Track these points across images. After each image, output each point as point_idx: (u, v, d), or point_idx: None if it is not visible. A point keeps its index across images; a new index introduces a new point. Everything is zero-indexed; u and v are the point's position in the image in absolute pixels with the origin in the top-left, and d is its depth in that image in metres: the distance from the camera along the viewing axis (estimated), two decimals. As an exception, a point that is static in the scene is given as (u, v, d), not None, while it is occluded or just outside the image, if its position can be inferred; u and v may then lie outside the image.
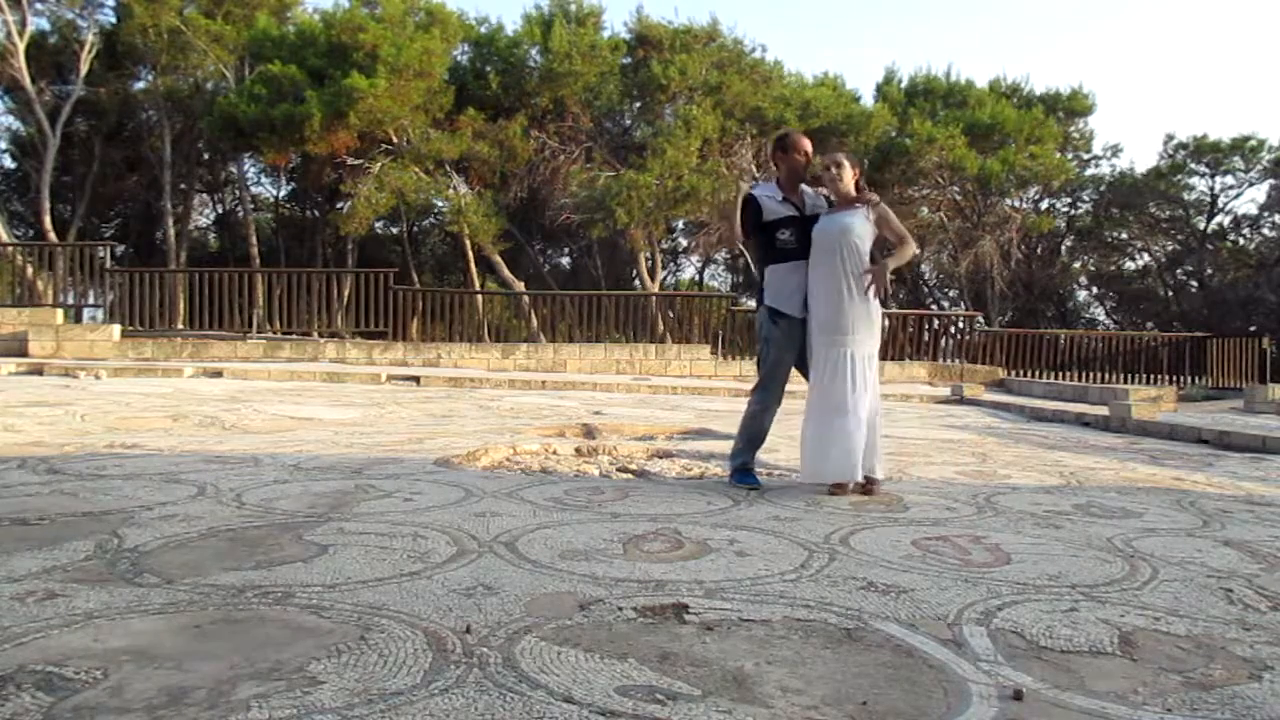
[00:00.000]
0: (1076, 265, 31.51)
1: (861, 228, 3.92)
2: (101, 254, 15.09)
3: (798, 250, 4.05)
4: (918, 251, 4.27)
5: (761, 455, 4.48)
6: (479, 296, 18.61)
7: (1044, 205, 28.20)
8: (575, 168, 20.99)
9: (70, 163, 23.73)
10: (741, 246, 4.55)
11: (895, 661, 1.90)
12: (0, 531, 2.79)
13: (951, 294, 30.12)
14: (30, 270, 17.05)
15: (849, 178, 4.00)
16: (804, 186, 4.18)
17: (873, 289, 3.89)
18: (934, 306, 28.30)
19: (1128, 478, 4.89)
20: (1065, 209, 29.57)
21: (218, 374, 11.29)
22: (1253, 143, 26.56)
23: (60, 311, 13.87)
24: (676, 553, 2.78)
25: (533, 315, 19.49)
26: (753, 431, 4.20)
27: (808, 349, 4.08)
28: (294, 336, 14.87)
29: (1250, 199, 53.50)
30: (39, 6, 22.11)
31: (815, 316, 3.99)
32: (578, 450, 5.48)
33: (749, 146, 20.65)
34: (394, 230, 27.21)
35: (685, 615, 2.15)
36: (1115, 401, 8.62)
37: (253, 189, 27.56)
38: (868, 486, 3.93)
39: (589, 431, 6.57)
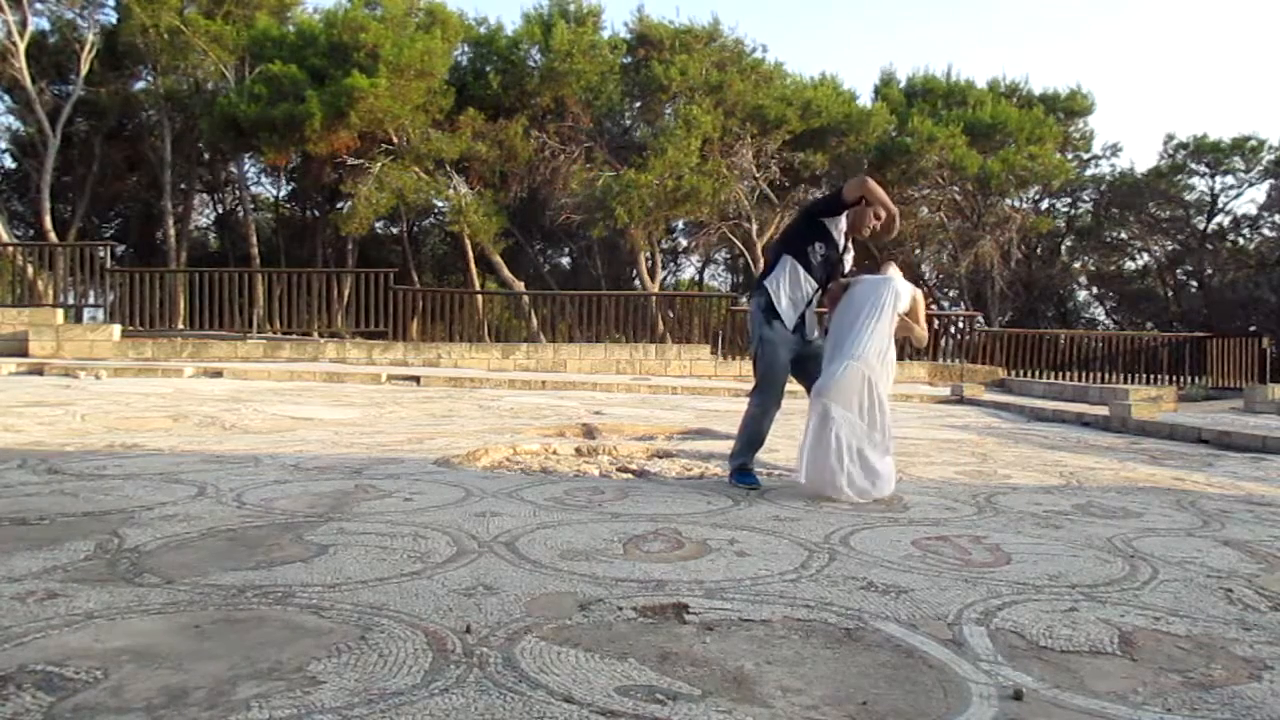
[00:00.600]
0: (1076, 265, 31.50)
1: (905, 292, 4.00)
2: (102, 254, 15.09)
3: (818, 273, 4.05)
4: (925, 341, 4.39)
5: (761, 455, 4.48)
6: (479, 296, 18.62)
7: (1044, 205, 28.21)
8: (575, 167, 20.98)
9: (70, 163, 23.72)
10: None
11: (895, 661, 1.90)
12: (0, 531, 2.80)
13: (951, 294, 30.13)
14: (30, 270, 17.04)
15: (894, 272, 4.08)
16: (853, 239, 4.18)
17: (893, 329, 3.96)
18: (934, 306, 28.28)
19: (1128, 478, 4.89)
20: (1065, 209, 29.58)
21: (218, 374, 11.29)
22: (1253, 143, 26.57)
23: (60, 311, 13.86)
24: (676, 553, 2.78)
25: (533, 315, 19.49)
26: (752, 433, 4.19)
27: (811, 360, 4.08)
28: (294, 336, 14.86)
29: (1250, 199, 53.50)
30: (39, 6, 22.14)
31: (835, 336, 3.97)
32: (578, 450, 5.49)
33: (749, 146, 20.65)
34: (394, 230, 27.21)
35: (685, 615, 2.15)
36: (1115, 401, 8.61)
37: (253, 189, 27.59)
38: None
39: (589, 431, 6.57)
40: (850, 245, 4.18)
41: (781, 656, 1.90)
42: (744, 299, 19.04)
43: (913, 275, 28.07)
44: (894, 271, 4.08)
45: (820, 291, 4.10)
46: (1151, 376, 17.61)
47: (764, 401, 4.17)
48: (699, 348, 15.50)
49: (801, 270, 4.05)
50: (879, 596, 2.37)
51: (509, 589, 2.32)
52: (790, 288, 4.06)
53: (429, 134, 20.22)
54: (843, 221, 4.09)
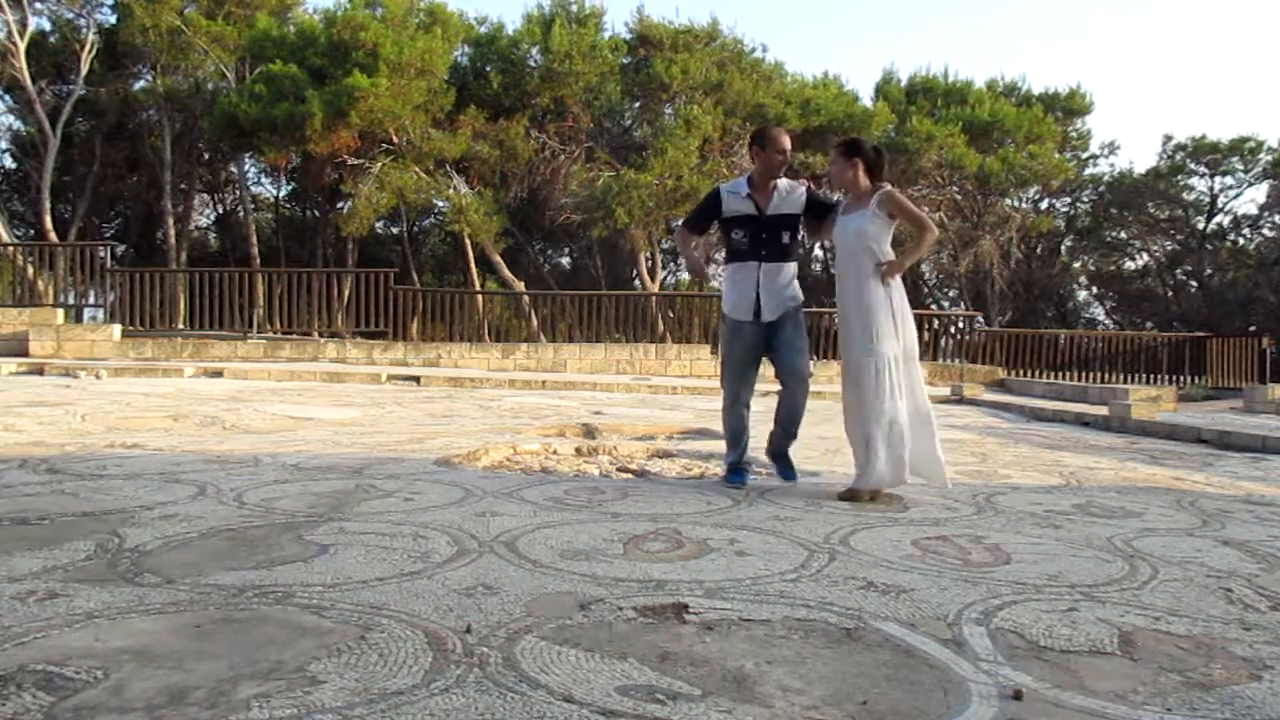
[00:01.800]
0: (1076, 265, 31.50)
1: (875, 228, 3.77)
2: (102, 254, 15.09)
3: (749, 251, 4.04)
4: (939, 233, 3.91)
5: (763, 456, 4.48)
6: (479, 296, 18.61)
7: (1043, 205, 28.21)
8: (576, 167, 20.99)
9: (71, 163, 23.72)
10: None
11: (895, 661, 1.90)
12: (1, 531, 2.80)
13: (951, 294, 30.11)
14: (31, 270, 17.04)
15: (842, 172, 3.87)
16: (779, 182, 4.08)
17: (886, 282, 3.76)
18: (934, 306, 28.29)
19: (1127, 477, 4.89)
20: (1065, 209, 29.57)
21: (218, 374, 11.29)
22: (1251, 143, 26.56)
23: (61, 311, 13.87)
24: (676, 552, 2.78)
25: (533, 315, 19.49)
26: (730, 429, 4.22)
27: (781, 350, 4.07)
28: (294, 336, 14.86)
29: (1250, 199, 53.49)
30: (39, 6, 22.15)
31: (842, 321, 3.93)
32: (578, 450, 5.49)
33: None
34: (394, 230, 27.20)
35: (685, 615, 2.15)
36: (1115, 401, 8.61)
37: (253, 189, 27.57)
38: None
39: (589, 431, 6.58)
40: (778, 187, 4.07)
41: (781, 656, 1.90)
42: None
43: (913, 276, 28.13)
44: (858, 202, 3.82)
45: (768, 258, 4.02)
46: (1151, 376, 17.61)
47: (726, 394, 4.22)
48: (699, 348, 15.49)
49: (735, 268, 4.10)
50: (879, 596, 2.37)
51: (509, 589, 2.32)
52: (736, 291, 4.09)
53: (429, 134, 20.21)
54: (743, 187, 4.08)
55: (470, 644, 1.90)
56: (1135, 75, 66.39)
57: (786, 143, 4.10)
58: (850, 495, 3.80)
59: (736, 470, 4.16)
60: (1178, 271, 30.05)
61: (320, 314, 15.87)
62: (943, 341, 17.96)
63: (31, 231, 24.80)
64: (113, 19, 22.46)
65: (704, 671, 1.80)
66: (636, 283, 25.02)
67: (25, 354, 12.44)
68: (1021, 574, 2.65)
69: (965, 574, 2.63)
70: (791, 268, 4.12)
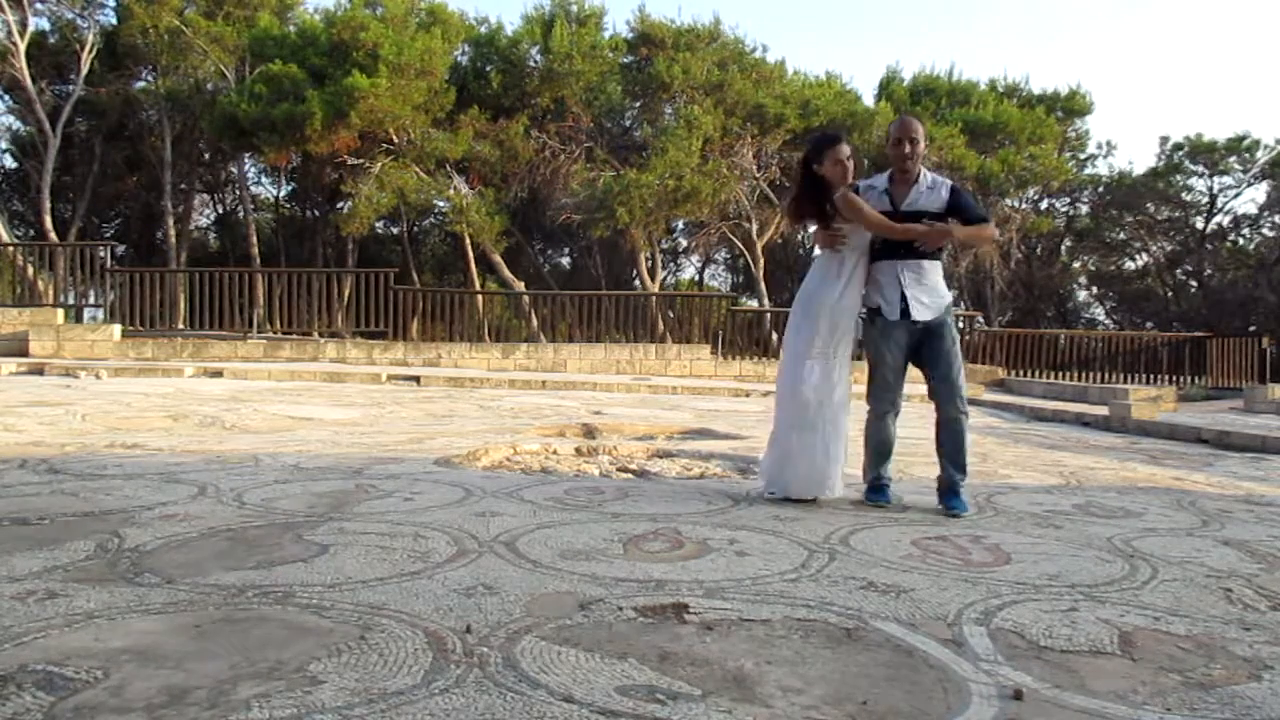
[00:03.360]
0: (1076, 265, 31.50)
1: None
2: (102, 254, 15.07)
3: (884, 249, 3.77)
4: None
5: (761, 456, 4.47)
6: (479, 296, 18.60)
7: (1043, 205, 28.21)
8: (576, 167, 20.97)
9: (71, 163, 23.72)
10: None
11: (895, 661, 1.90)
12: (1, 531, 2.80)
13: (951, 294, 30.09)
14: (31, 270, 17.04)
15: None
16: (922, 176, 3.93)
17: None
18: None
19: (1127, 477, 4.89)
20: (1065, 209, 29.58)
21: (218, 374, 11.28)
22: (1248, 142, 26.56)
23: (61, 311, 13.86)
24: (676, 552, 2.78)
25: (533, 315, 19.48)
26: (875, 444, 3.88)
27: (933, 359, 3.78)
28: (294, 336, 14.85)
29: (1249, 199, 53.44)
30: (39, 6, 22.14)
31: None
32: (578, 450, 5.49)
33: (750, 146, 20.63)
34: (394, 230, 27.20)
35: (685, 615, 2.15)
36: (1115, 401, 8.61)
37: (253, 189, 27.55)
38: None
39: (589, 431, 6.58)
40: (922, 180, 4.01)
41: (781, 656, 1.90)
42: (744, 299, 19.00)
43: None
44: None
45: (906, 255, 3.75)
46: (1151, 376, 17.61)
47: (873, 406, 3.93)
48: (699, 348, 15.49)
49: (876, 263, 3.84)
50: (879, 596, 2.37)
51: (509, 589, 2.32)
52: (871, 280, 3.84)
53: (430, 134, 20.20)
54: (882, 182, 3.99)
55: (470, 644, 1.90)
56: (1132, 75, 66.39)
57: (905, 131, 3.90)
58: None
59: (879, 489, 3.80)
60: (1178, 271, 30.04)
61: (320, 314, 15.87)
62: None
63: (31, 231, 24.79)
64: (113, 19, 22.49)
65: (704, 671, 1.80)
66: (636, 283, 25.01)
67: (25, 354, 12.43)
68: (1021, 574, 2.66)
69: (965, 574, 2.63)
70: (935, 266, 3.82)
